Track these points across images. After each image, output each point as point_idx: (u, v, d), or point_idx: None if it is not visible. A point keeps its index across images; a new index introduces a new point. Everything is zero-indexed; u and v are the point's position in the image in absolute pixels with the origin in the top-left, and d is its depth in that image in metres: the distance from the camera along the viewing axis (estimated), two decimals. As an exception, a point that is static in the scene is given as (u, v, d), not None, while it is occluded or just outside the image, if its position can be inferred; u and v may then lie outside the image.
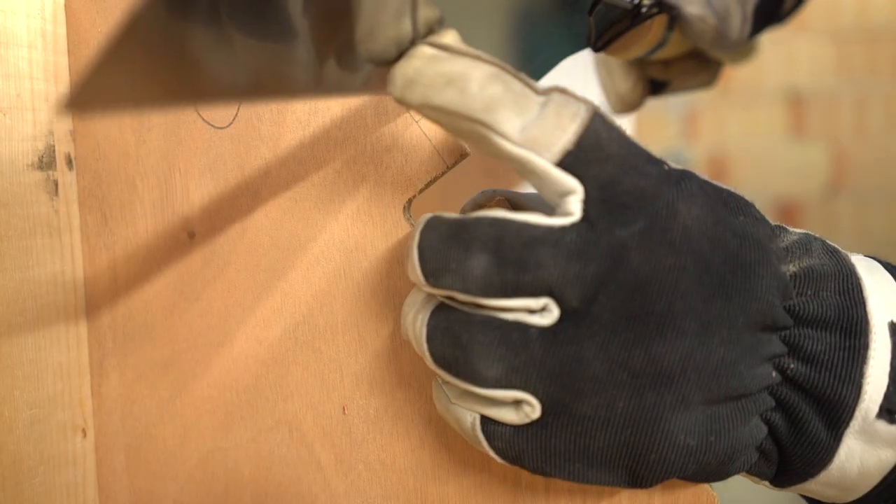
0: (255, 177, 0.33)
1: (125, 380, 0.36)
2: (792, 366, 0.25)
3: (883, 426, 0.25)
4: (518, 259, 0.23)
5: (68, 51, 0.35)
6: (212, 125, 0.33)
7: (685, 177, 0.25)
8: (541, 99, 0.24)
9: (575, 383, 0.24)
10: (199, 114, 0.33)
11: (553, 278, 0.23)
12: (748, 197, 0.26)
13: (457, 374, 0.25)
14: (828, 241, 0.28)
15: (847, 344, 0.25)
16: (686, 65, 0.45)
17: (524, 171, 0.24)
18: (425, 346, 0.25)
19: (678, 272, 0.24)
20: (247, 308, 0.33)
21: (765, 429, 0.26)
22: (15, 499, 0.32)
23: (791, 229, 0.28)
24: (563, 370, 0.24)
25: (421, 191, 0.30)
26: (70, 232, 0.35)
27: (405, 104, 0.24)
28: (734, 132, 1.98)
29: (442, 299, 0.25)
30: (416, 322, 0.26)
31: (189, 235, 0.34)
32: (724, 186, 0.26)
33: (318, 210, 0.32)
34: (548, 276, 0.23)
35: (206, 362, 0.34)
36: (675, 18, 0.38)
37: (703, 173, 0.26)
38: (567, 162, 0.24)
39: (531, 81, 0.24)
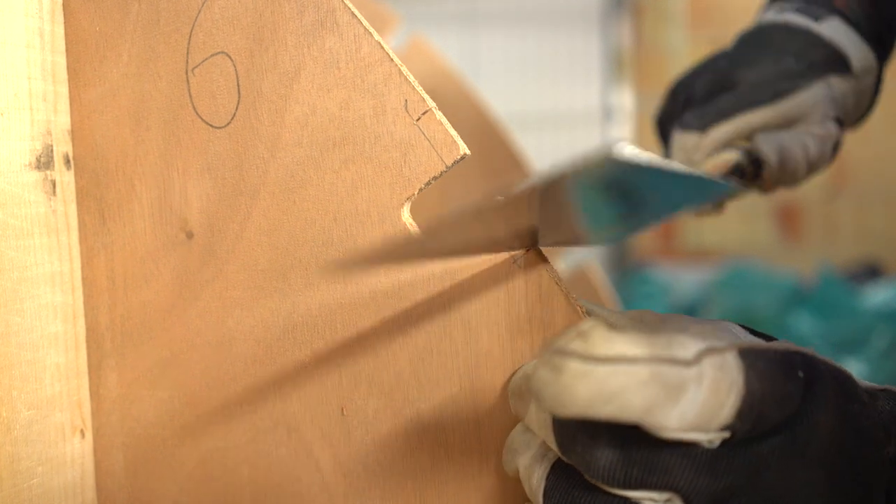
0: (253, 176, 0.32)
1: (124, 380, 0.36)
2: None
3: None
4: (645, 461, 0.23)
5: (66, 50, 0.35)
6: (210, 125, 0.33)
7: (815, 376, 0.24)
8: (694, 374, 0.22)
9: None
10: (197, 113, 0.33)
11: (680, 486, 0.23)
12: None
13: None
14: None
15: None
16: None
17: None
18: (541, 501, 0.26)
19: (810, 487, 0.23)
20: (245, 308, 0.33)
21: None
22: (13, 500, 0.32)
23: (870, 388, 0.27)
24: None
25: (420, 191, 0.30)
26: (68, 232, 0.35)
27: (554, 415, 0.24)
28: (734, 133, 1.97)
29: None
30: (533, 475, 0.26)
31: (187, 235, 0.34)
32: (834, 365, 0.26)
33: (317, 210, 0.32)
34: (674, 482, 0.23)
35: (204, 363, 0.34)
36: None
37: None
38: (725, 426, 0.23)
39: (681, 354, 0.23)
